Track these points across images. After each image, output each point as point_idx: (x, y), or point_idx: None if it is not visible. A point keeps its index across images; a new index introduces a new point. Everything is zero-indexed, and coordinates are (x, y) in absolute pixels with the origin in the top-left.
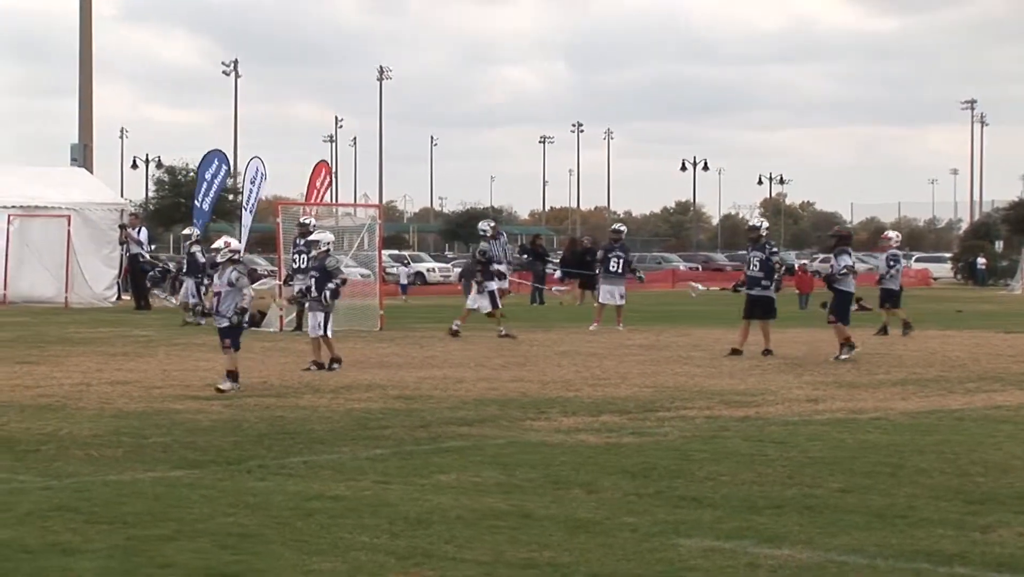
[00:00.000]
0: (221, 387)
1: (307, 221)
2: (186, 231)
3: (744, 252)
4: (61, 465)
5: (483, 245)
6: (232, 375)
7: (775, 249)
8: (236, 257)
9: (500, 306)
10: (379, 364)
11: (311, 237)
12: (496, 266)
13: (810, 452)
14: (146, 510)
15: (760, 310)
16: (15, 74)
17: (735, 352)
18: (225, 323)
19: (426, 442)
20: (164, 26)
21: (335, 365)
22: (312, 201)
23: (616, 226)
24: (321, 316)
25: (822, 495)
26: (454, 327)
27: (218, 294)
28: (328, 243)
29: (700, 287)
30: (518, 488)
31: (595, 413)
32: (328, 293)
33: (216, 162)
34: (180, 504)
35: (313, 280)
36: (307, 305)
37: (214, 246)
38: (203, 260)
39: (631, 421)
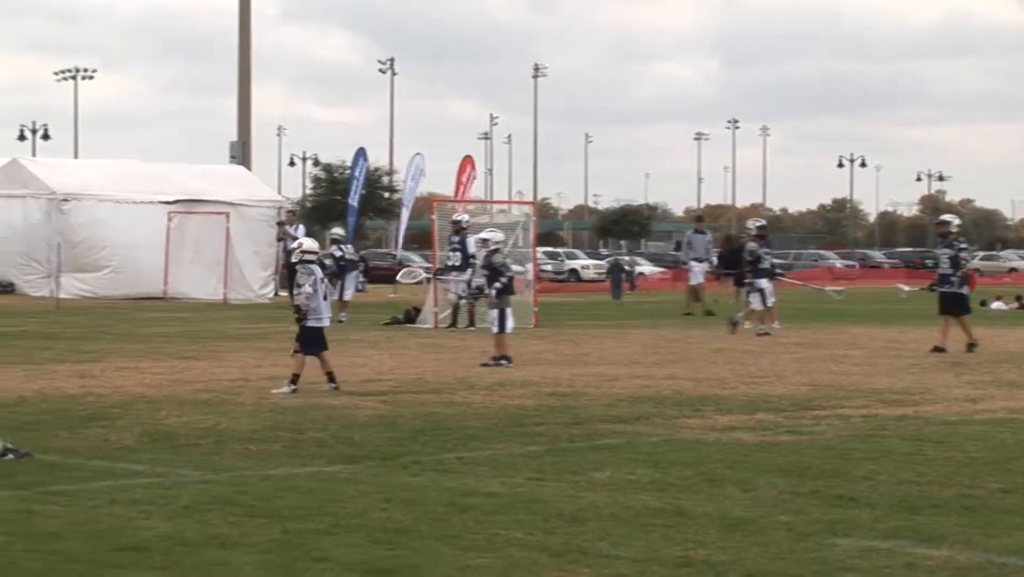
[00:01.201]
0: (273, 390)
1: (460, 218)
2: (336, 231)
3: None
4: (219, 459)
5: (751, 245)
6: (294, 378)
7: (963, 245)
8: (309, 258)
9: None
10: (533, 361)
11: (482, 235)
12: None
13: (970, 452)
14: (302, 504)
15: (952, 306)
16: (177, 73)
17: (937, 350)
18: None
19: (580, 439)
20: (323, 25)
21: (503, 362)
22: (459, 196)
23: (756, 221)
24: (496, 313)
25: (982, 495)
26: (738, 321)
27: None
28: (498, 241)
29: (907, 288)
30: (672, 486)
31: (750, 411)
32: (495, 290)
33: (361, 161)
34: (336, 499)
35: (484, 278)
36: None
37: (291, 246)
38: (351, 258)
39: (786, 419)
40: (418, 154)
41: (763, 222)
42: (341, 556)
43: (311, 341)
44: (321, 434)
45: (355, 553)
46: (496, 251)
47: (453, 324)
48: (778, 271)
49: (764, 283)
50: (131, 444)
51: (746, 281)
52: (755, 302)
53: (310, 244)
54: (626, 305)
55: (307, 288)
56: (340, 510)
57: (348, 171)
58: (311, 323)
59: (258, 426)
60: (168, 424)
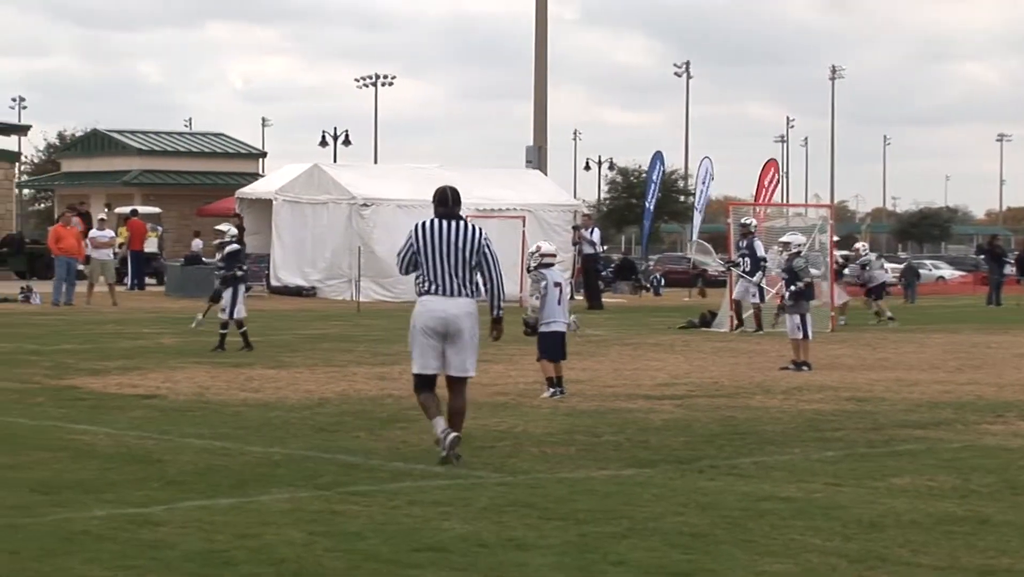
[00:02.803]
0: (543, 394)
1: (748, 222)
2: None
3: None
4: (516, 462)
5: None
6: (549, 381)
7: None
8: (548, 261)
9: None
10: (830, 365)
11: (783, 239)
12: None
13: None
14: (598, 507)
15: None
16: (474, 78)
17: None
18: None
19: (879, 445)
20: (620, 28)
21: (791, 367)
22: (760, 200)
23: None
24: (798, 317)
25: None
26: None
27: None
28: (799, 245)
29: None
30: (974, 493)
31: None
32: (790, 293)
33: (657, 164)
34: (631, 502)
35: (784, 282)
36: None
37: (530, 250)
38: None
39: None
40: (706, 158)
41: None
42: (637, 560)
43: (547, 347)
44: (617, 437)
45: (651, 557)
46: (797, 254)
47: (758, 328)
48: None
49: None
50: (429, 446)
51: None
52: None
53: (547, 247)
54: (923, 309)
55: (533, 301)
56: (636, 513)
57: (643, 175)
58: (542, 328)
59: (554, 429)
60: (467, 427)
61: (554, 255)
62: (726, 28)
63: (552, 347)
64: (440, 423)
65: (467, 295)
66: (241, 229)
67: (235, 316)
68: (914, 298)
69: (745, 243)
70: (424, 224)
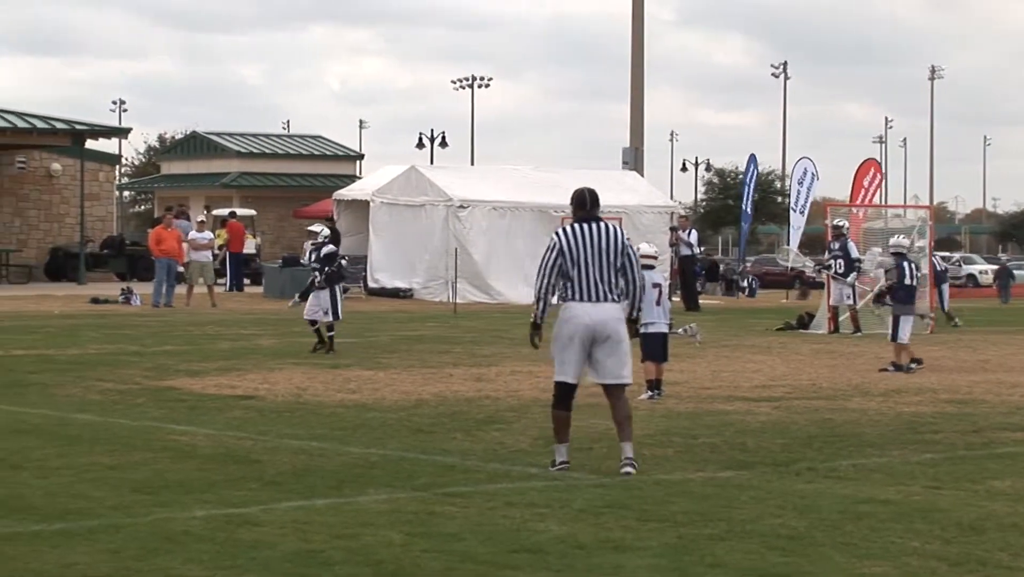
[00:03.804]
0: (640, 397)
1: (840, 224)
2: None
3: None
4: (612, 463)
5: None
6: (648, 384)
7: None
8: (648, 263)
9: None
10: (930, 368)
11: (892, 241)
12: None
13: None
14: (695, 509)
15: None
16: (570, 78)
17: None
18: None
19: (979, 447)
20: (718, 29)
21: (912, 366)
22: (859, 201)
23: None
24: (897, 320)
25: None
26: None
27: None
28: (903, 247)
29: None
30: None
31: None
32: (889, 295)
33: (751, 167)
34: (729, 504)
35: (884, 283)
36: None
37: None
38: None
39: None
40: (805, 158)
41: None
42: (735, 562)
43: (650, 349)
44: (714, 439)
45: (749, 559)
46: (901, 256)
47: (856, 330)
48: None
49: None
50: (526, 447)
51: None
52: None
53: (647, 249)
54: (1019, 311)
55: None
56: (733, 516)
57: (740, 176)
58: (643, 330)
59: (651, 431)
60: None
61: (654, 257)
62: (823, 28)
63: (654, 349)
64: (563, 452)
65: (614, 300)
66: (334, 231)
67: (338, 317)
68: (1008, 298)
69: (837, 245)
70: (566, 229)
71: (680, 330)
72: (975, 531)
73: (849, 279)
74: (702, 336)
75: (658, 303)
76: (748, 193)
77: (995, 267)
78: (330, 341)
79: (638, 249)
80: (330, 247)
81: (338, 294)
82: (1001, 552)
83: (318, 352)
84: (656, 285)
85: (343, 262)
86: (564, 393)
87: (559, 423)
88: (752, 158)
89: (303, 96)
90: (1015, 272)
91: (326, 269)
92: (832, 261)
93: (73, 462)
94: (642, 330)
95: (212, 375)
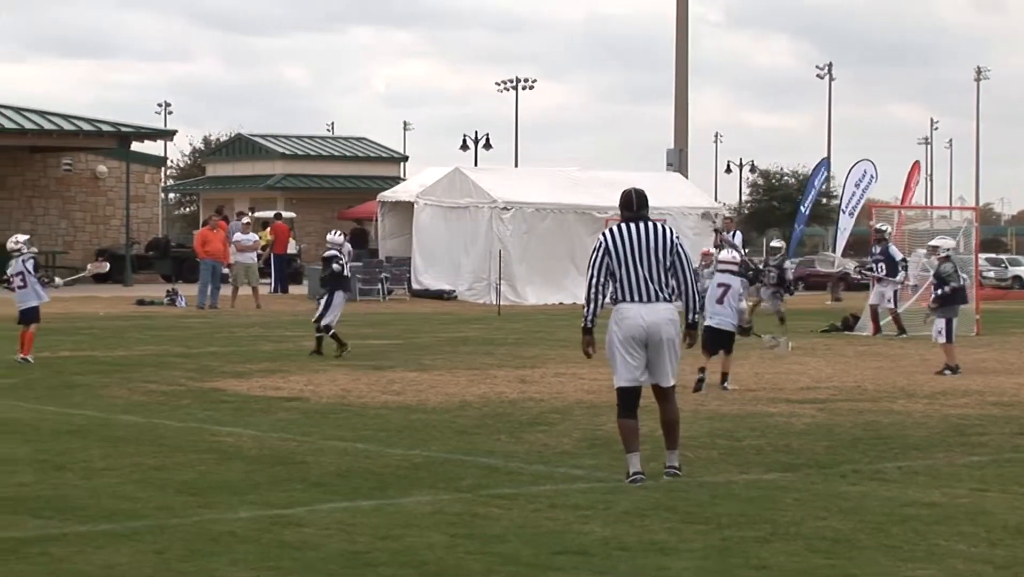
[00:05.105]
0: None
1: (883, 228)
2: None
3: None
4: (656, 465)
5: None
6: (700, 369)
7: None
8: (721, 268)
9: None
10: (975, 370)
11: (932, 242)
12: None
13: None
14: (740, 511)
15: None
16: (614, 80)
17: None
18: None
19: None
20: (764, 31)
21: (947, 371)
22: (905, 203)
23: None
24: (942, 323)
25: None
26: None
27: None
28: (948, 249)
29: None
30: None
31: None
32: (936, 297)
33: (822, 170)
34: (773, 506)
35: (932, 286)
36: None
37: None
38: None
39: None
40: (865, 160)
41: None
42: (779, 564)
43: (707, 340)
44: (758, 441)
45: (793, 561)
46: (947, 259)
47: (900, 331)
48: None
49: None
50: (570, 449)
51: None
52: None
53: (725, 255)
54: None
55: (742, 304)
56: (778, 518)
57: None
58: (705, 323)
59: (695, 433)
60: (607, 430)
61: (733, 262)
62: (869, 29)
63: (704, 341)
64: (636, 462)
65: (665, 300)
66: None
67: (324, 321)
68: None
69: (879, 249)
70: (612, 229)
71: (767, 337)
72: (1022, 534)
73: (898, 277)
74: (786, 349)
75: (719, 301)
76: (811, 195)
77: None
78: (317, 341)
79: (717, 255)
80: (331, 251)
81: (335, 300)
82: None
83: (342, 355)
84: (721, 285)
85: (340, 265)
86: (628, 399)
87: (627, 432)
88: (823, 162)
89: (348, 98)
90: None
91: (323, 273)
92: (873, 265)
93: (118, 463)
94: (703, 323)
95: (257, 376)
